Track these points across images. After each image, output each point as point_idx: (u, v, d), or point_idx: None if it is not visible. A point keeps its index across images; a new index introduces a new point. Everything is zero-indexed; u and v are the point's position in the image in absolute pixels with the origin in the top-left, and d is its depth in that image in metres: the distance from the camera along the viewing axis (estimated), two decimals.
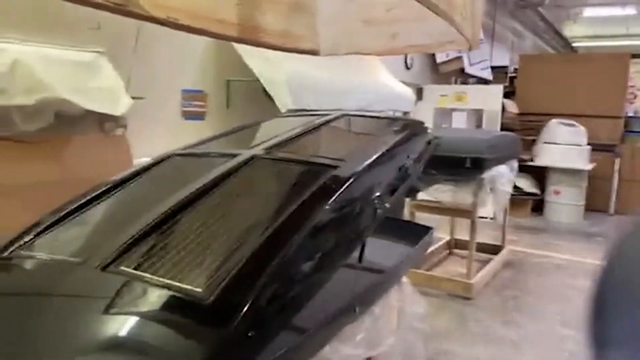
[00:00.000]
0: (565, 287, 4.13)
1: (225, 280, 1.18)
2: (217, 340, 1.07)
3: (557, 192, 6.85)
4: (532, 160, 6.99)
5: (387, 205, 1.74)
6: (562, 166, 6.71)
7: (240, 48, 3.60)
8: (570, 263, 4.82)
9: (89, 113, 2.61)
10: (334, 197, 1.49)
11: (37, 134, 2.43)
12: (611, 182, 7.25)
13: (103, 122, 2.90)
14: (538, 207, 7.07)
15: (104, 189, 1.72)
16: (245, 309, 1.11)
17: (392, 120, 2.37)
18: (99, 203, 1.65)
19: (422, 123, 2.38)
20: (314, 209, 1.43)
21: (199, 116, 3.63)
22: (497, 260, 4.56)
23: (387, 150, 1.86)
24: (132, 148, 2.96)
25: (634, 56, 7.51)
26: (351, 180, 1.58)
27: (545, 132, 7.07)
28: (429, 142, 2.26)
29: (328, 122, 2.31)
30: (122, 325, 1.14)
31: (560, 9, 10.47)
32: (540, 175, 7.04)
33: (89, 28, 2.80)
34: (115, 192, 1.70)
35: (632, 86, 8.07)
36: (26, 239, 1.49)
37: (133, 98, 2.80)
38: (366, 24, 2.89)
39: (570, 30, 12.49)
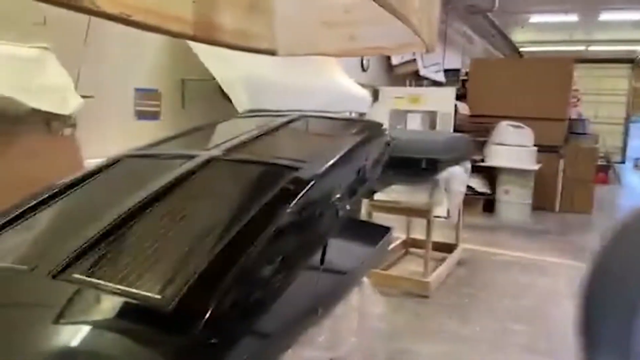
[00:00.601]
0: (516, 284, 4.29)
1: (185, 286, 1.14)
2: (178, 349, 1.03)
3: (506, 192, 7.12)
4: (483, 160, 7.23)
5: (348, 206, 1.75)
6: (510, 166, 6.97)
7: (196, 47, 3.52)
8: (519, 260, 5.01)
9: (35, 112, 2.48)
10: (295, 200, 1.47)
11: None
12: (556, 181, 7.59)
13: (50, 121, 2.76)
14: (489, 206, 7.32)
15: (54, 191, 1.64)
16: (207, 315, 1.08)
17: (351, 121, 2.38)
18: (48, 206, 1.56)
19: (380, 124, 2.40)
20: (275, 212, 1.41)
21: (153, 116, 3.52)
22: (451, 258, 4.68)
23: (348, 152, 1.87)
24: (82, 149, 2.83)
25: (579, 61, 7.90)
26: (312, 182, 1.57)
27: (495, 134, 7.32)
28: (387, 144, 2.29)
29: (287, 123, 2.29)
30: (77, 336, 1.08)
31: (509, 15, 10.90)
32: (491, 175, 7.29)
33: (34, 23, 2.66)
34: (66, 195, 1.62)
35: (576, 90, 8.50)
36: None
37: (82, 97, 2.68)
38: (324, 26, 2.89)
39: (517, 36, 13.03)
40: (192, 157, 1.76)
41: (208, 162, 1.71)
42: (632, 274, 0.70)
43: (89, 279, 1.19)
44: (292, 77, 4.21)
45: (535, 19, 11.56)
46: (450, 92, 7.15)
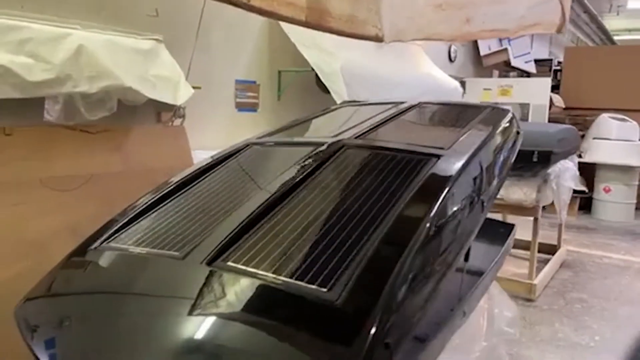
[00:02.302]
0: (632, 289, 3.89)
1: (351, 280, 1.04)
2: (356, 351, 0.93)
3: (607, 190, 6.56)
4: (580, 156, 6.71)
5: (492, 197, 1.59)
6: (612, 162, 6.41)
7: (294, 37, 3.46)
8: (631, 264, 4.56)
9: (148, 102, 2.50)
10: (446, 190, 1.34)
11: (99, 123, 2.34)
12: None
13: (160, 111, 2.80)
14: (585, 205, 6.79)
15: (185, 179, 1.61)
16: (380, 313, 0.98)
17: (478, 107, 2.20)
18: (185, 193, 1.53)
19: (507, 111, 2.21)
20: (428, 204, 1.28)
21: (251, 107, 3.51)
22: (554, 260, 4.34)
23: (487, 139, 1.71)
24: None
25: None
26: (462, 170, 1.43)
27: (595, 127, 6.76)
28: (517, 132, 2.09)
29: (406, 110, 2.16)
30: (247, 328, 1.01)
31: (602, 1, 10.09)
32: (588, 172, 6.74)
33: (147, 15, 2.70)
34: (199, 183, 1.58)
35: None
36: (114, 230, 1.38)
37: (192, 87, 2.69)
38: (437, 8, 2.73)
39: (610, 24, 12.05)
40: (320, 144, 1.68)
41: (340, 148, 1.62)
42: None
43: (246, 267, 1.12)
44: (385, 67, 4.07)
45: (633, 4, 10.62)
46: (545, 83, 6.68)
